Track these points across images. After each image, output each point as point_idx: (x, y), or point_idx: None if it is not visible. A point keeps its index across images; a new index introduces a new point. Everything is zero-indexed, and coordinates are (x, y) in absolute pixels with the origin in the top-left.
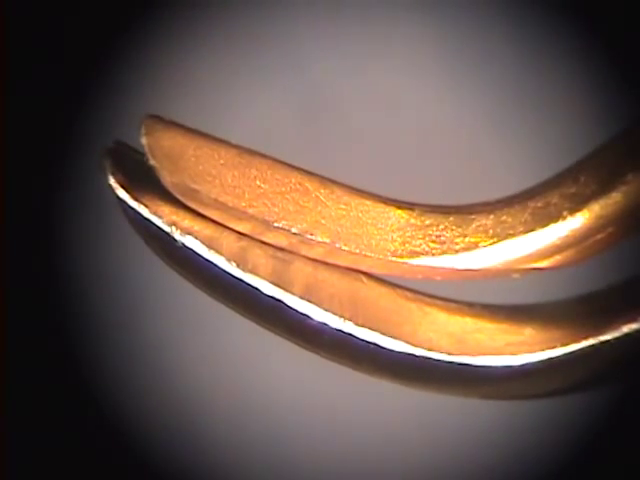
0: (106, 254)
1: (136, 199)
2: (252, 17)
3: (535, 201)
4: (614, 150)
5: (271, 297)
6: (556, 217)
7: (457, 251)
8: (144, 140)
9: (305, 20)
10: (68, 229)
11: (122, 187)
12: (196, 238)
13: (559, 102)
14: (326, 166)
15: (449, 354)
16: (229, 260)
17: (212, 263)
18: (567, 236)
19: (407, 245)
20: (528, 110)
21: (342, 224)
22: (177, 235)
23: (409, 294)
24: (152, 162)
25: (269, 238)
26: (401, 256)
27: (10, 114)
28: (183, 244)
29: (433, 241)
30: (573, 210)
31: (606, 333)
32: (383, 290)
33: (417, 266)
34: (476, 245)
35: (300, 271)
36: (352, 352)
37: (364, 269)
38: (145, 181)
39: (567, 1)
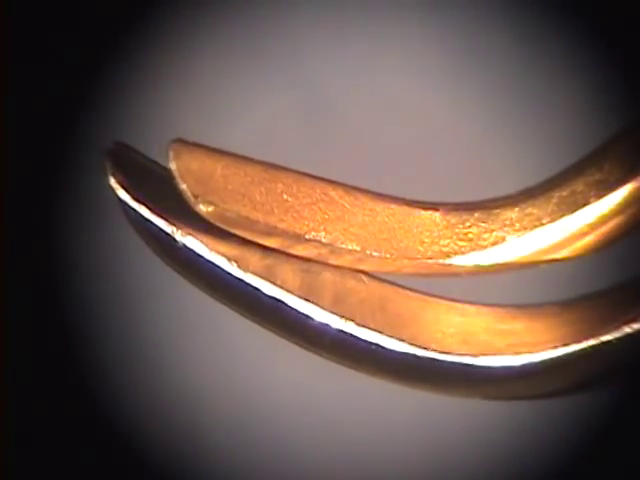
0: (106, 254)
1: (137, 200)
2: (252, 17)
3: (560, 190)
4: (636, 136)
5: (272, 297)
6: (582, 204)
7: (485, 247)
8: (173, 165)
9: (305, 20)
10: (68, 230)
11: (123, 188)
12: (197, 239)
13: (559, 102)
14: (326, 166)
15: (450, 354)
16: (230, 260)
17: (213, 264)
18: (594, 222)
19: (436, 246)
20: (529, 110)
21: (370, 230)
22: (178, 236)
23: (411, 294)
24: (183, 186)
25: (300, 251)
26: (431, 257)
27: (10, 114)
28: (184, 245)
29: (461, 239)
30: (599, 196)
31: (607, 333)
32: (384, 290)
33: (448, 265)
34: (504, 239)
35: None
36: (353, 353)
37: (395, 273)
38: (146, 182)
39: (567, 1)
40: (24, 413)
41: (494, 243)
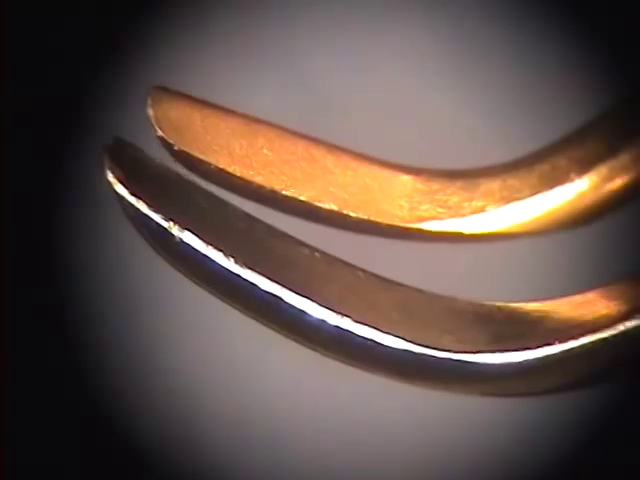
0: (104, 249)
1: (134, 195)
2: (251, 16)
3: (542, 164)
4: (619, 115)
5: (269, 293)
6: (563, 180)
7: (464, 215)
8: (150, 111)
9: (303, 19)
10: (66, 224)
11: (121, 183)
12: (194, 234)
13: (560, 101)
14: None
15: (448, 351)
16: (227, 255)
17: (210, 259)
18: (574, 199)
19: (415, 210)
20: (529, 109)
21: (350, 191)
22: (175, 231)
23: (407, 291)
24: (160, 133)
25: (277, 206)
26: (409, 221)
27: (9, 111)
28: (181, 239)
29: (440, 205)
30: (580, 172)
31: (604, 331)
32: (380, 286)
33: (426, 231)
34: (483, 208)
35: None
36: (350, 349)
37: (373, 234)
38: (143, 177)
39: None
40: (24, 413)
41: (473, 212)
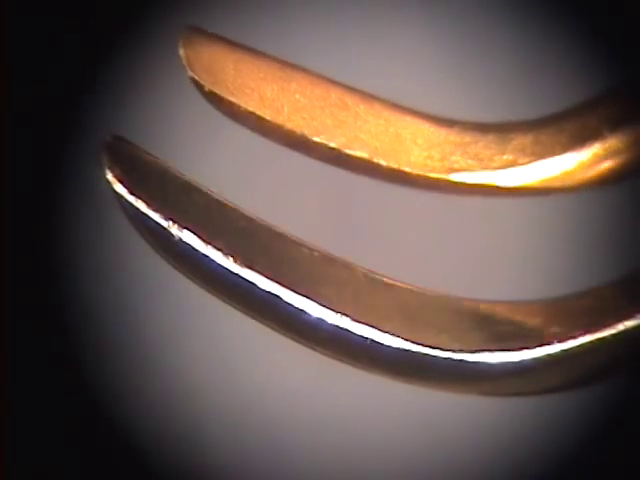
0: (103, 248)
1: (133, 193)
2: (250, 16)
3: (573, 122)
4: None
5: (268, 292)
6: (594, 137)
7: (495, 168)
8: (182, 52)
9: (302, 19)
10: (65, 223)
11: (119, 181)
12: (193, 233)
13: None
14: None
15: (447, 350)
16: (226, 255)
17: (209, 258)
18: (604, 155)
19: (445, 162)
20: (530, 109)
21: (381, 139)
22: (174, 230)
23: (406, 290)
24: (191, 74)
25: (307, 152)
26: (440, 172)
27: (8, 109)
28: (180, 239)
29: (471, 158)
30: (612, 130)
31: (603, 330)
32: (379, 286)
33: (456, 182)
34: (514, 163)
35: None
36: (349, 348)
37: (403, 184)
38: (142, 176)
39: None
40: (24, 413)
41: (504, 166)
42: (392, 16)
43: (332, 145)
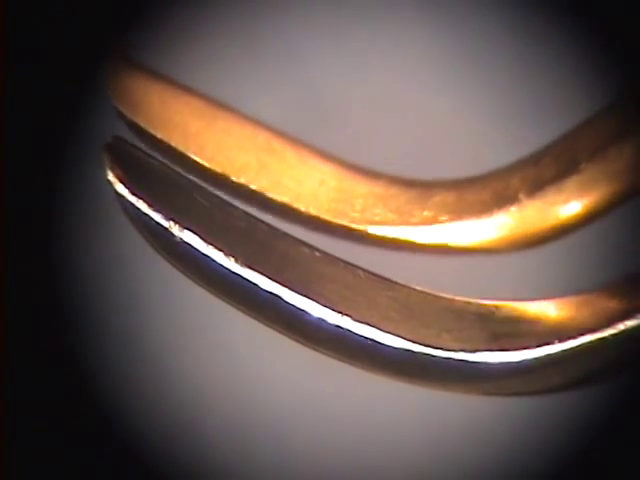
0: (104, 248)
1: (135, 194)
2: (250, 16)
3: (497, 181)
4: (575, 138)
5: (269, 292)
6: (512, 199)
7: (415, 224)
8: (107, 80)
9: (301, 19)
10: (66, 224)
11: (121, 182)
12: (194, 233)
13: (561, 101)
14: None
15: (447, 350)
16: (227, 255)
17: (210, 258)
18: (521, 220)
19: (366, 213)
20: (530, 109)
21: (304, 186)
22: (175, 230)
23: (407, 290)
24: (115, 105)
25: (228, 192)
26: (359, 223)
27: (9, 109)
28: (181, 239)
29: (392, 211)
30: (529, 193)
31: (604, 330)
32: (380, 285)
33: (375, 235)
34: (434, 220)
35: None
36: (350, 348)
37: (322, 233)
38: (144, 176)
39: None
40: (24, 413)
41: (424, 222)
42: (386, 16)
43: (253, 187)
